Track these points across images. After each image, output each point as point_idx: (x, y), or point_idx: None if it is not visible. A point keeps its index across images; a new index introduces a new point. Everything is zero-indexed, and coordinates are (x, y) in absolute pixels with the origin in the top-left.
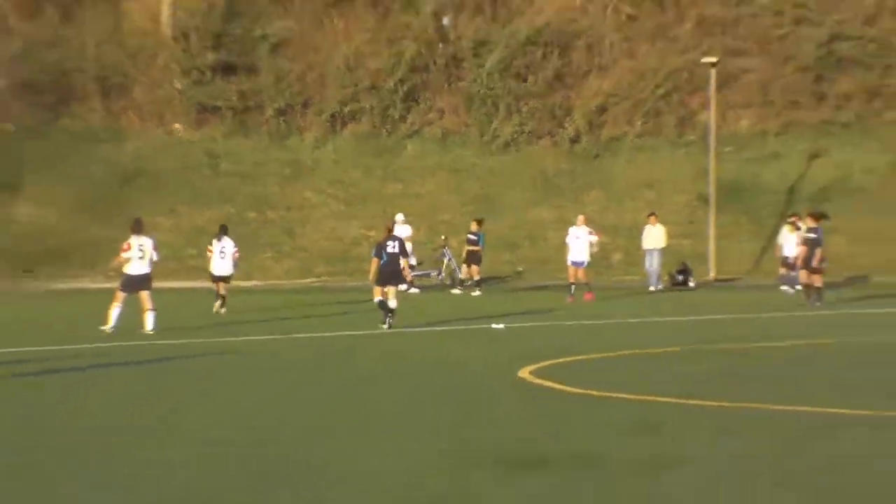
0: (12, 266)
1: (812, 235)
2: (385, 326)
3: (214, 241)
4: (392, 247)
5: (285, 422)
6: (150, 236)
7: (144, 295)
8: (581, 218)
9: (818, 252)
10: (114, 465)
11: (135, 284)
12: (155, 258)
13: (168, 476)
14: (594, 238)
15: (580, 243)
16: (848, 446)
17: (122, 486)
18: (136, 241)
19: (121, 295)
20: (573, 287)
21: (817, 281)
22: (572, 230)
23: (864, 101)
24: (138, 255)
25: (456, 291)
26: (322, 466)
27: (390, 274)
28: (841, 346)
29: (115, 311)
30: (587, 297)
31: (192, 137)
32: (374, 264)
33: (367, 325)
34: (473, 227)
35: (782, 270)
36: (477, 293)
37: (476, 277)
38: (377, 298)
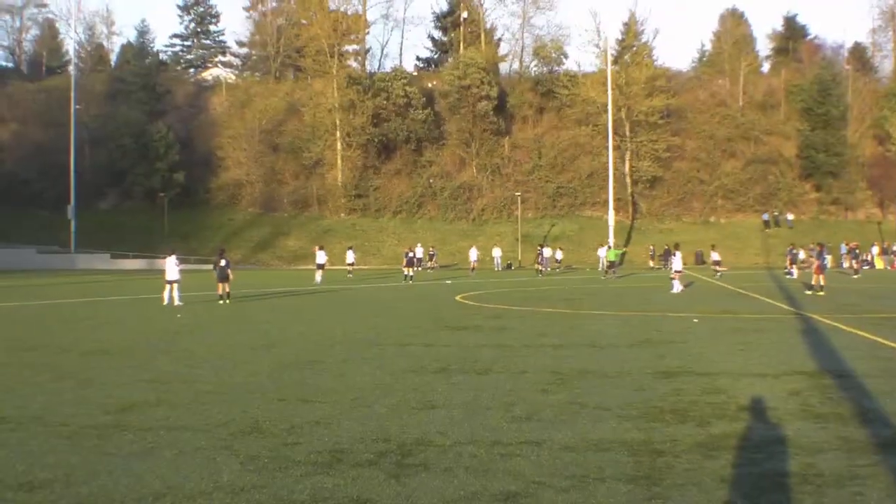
0: (285, 261)
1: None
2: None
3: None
4: (411, 253)
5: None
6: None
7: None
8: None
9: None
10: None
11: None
12: None
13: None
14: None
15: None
16: (569, 324)
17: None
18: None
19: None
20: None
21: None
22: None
23: (569, 207)
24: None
25: (429, 270)
26: (355, 339)
27: (411, 263)
28: (561, 287)
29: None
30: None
31: (346, 218)
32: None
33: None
34: (430, 248)
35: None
36: (431, 271)
37: (435, 265)
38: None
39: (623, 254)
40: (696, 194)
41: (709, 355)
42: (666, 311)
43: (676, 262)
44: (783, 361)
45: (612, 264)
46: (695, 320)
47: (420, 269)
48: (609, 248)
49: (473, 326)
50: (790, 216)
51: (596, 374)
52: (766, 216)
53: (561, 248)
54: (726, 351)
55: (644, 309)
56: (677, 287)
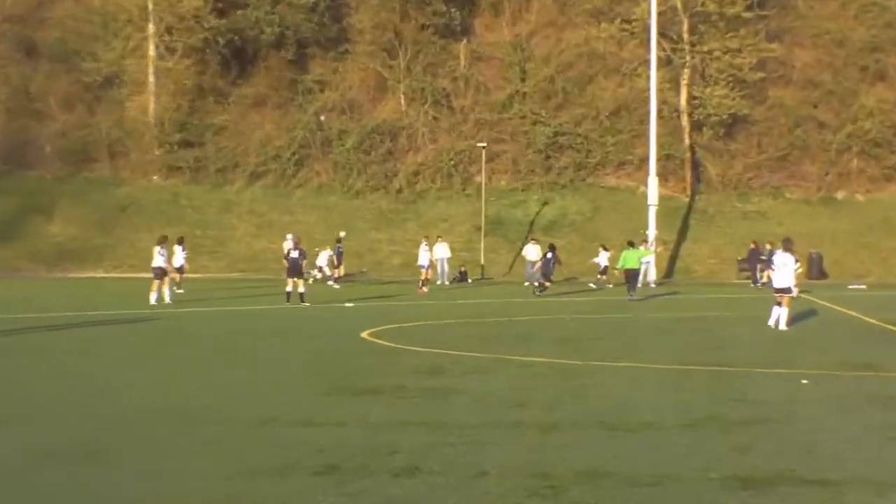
0: (46, 263)
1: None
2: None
3: (176, 246)
4: (295, 253)
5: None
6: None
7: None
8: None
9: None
10: None
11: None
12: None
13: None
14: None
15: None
16: (569, 385)
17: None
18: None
19: (155, 282)
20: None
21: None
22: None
23: (574, 170)
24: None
25: (331, 284)
26: (230, 384)
27: (296, 269)
28: (555, 320)
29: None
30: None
31: (164, 185)
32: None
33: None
34: (340, 243)
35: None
36: (337, 286)
37: (339, 275)
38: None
39: (647, 258)
40: (812, 150)
41: (831, 447)
42: (752, 363)
43: (784, 273)
44: None
45: (631, 276)
46: (804, 381)
47: (317, 278)
48: (632, 247)
49: (391, 388)
50: None
51: (617, 480)
52: None
53: (605, 248)
54: (864, 440)
55: (710, 359)
56: (782, 319)
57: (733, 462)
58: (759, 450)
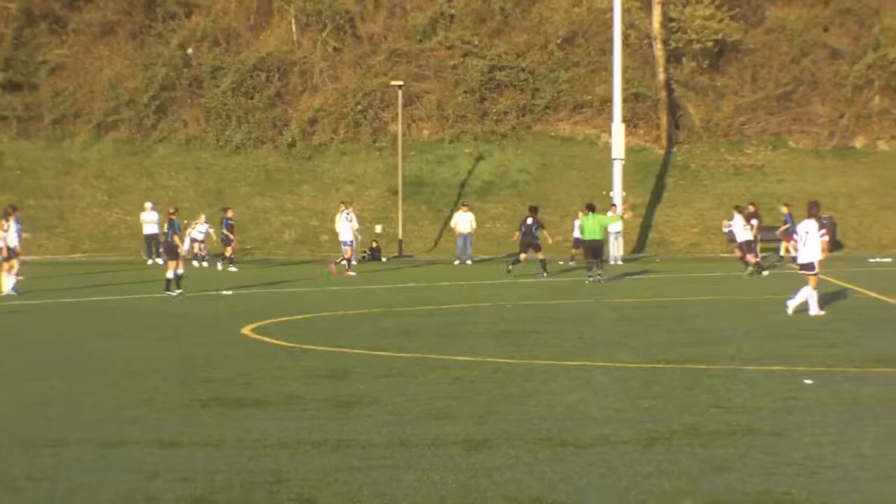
0: None
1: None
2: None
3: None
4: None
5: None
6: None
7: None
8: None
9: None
10: None
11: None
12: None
13: None
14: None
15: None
16: (505, 391)
17: None
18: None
19: None
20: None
21: (540, 255)
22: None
23: (517, 116)
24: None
25: (205, 265)
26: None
27: (173, 249)
28: (493, 308)
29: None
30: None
31: None
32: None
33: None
34: (230, 213)
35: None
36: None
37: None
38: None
39: (614, 226)
40: (822, 86)
41: (838, 464)
42: (740, 359)
43: (811, 245)
44: None
45: (592, 248)
46: (807, 381)
47: (195, 259)
48: (592, 212)
49: (280, 398)
50: None
51: None
52: None
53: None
54: (880, 455)
55: (686, 355)
56: (812, 304)
57: (712, 485)
58: (745, 469)
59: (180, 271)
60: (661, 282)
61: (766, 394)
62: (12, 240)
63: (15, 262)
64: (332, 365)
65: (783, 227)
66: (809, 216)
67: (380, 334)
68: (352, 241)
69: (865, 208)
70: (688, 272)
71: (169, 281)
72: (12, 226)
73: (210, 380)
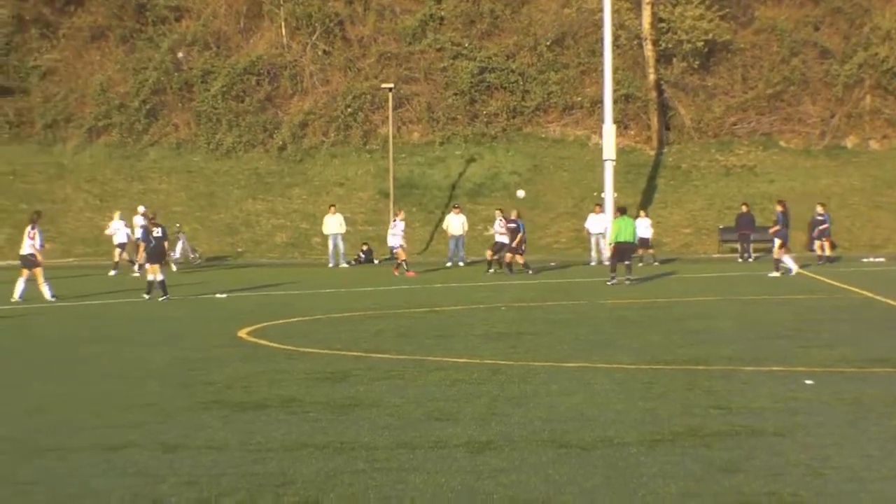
0: None
1: (513, 225)
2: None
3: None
4: (157, 233)
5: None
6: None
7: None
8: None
9: (518, 237)
10: None
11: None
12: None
13: None
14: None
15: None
16: (506, 392)
17: None
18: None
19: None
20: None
21: (519, 259)
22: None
23: (507, 118)
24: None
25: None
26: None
27: (158, 254)
28: (488, 310)
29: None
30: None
31: None
32: (143, 247)
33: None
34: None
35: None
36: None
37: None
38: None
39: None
40: (813, 85)
41: (844, 466)
42: (740, 360)
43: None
44: None
45: (621, 251)
46: (808, 382)
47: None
48: (623, 214)
49: (280, 401)
50: None
51: None
52: None
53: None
54: (886, 455)
55: (686, 356)
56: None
57: (719, 486)
58: (751, 470)
59: (160, 277)
60: (656, 283)
61: (767, 395)
62: (26, 247)
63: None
64: (330, 367)
65: (774, 227)
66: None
67: (377, 336)
68: (398, 245)
69: (857, 208)
70: (682, 273)
71: (151, 284)
72: (37, 232)
73: (209, 383)
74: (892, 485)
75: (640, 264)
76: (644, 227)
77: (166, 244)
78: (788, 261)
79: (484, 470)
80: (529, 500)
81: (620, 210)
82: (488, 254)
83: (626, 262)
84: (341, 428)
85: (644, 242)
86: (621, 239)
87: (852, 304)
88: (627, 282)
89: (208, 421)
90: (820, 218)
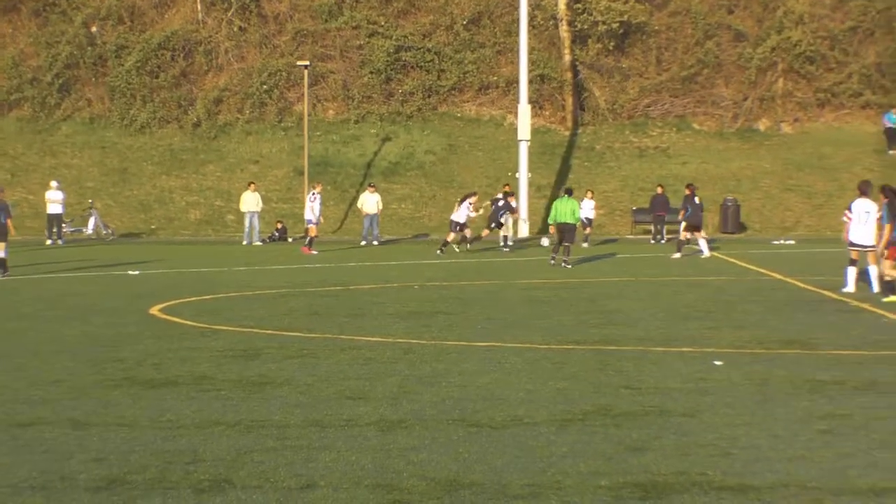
0: None
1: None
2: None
3: None
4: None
5: None
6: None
7: None
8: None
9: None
10: None
11: None
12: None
13: None
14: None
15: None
16: (417, 371)
17: None
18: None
19: None
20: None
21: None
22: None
23: (423, 97)
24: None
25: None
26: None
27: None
28: (402, 289)
29: None
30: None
31: None
32: None
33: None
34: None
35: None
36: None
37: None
38: None
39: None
40: (726, 68)
41: (751, 445)
42: (650, 340)
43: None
44: None
45: (560, 231)
46: (717, 363)
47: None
48: (567, 196)
49: (192, 378)
50: None
51: (482, 490)
52: (890, 118)
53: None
54: (791, 434)
55: (596, 336)
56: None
57: (628, 465)
58: (660, 449)
59: (2, 254)
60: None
61: (676, 375)
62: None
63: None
64: (242, 345)
65: (682, 212)
66: (863, 195)
67: (289, 315)
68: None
69: (769, 190)
70: (595, 253)
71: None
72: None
73: (120, 360)
74: (798, 464)
75: (585, 244)
76: (589, 208)
77: (9, 221)
78: (702, 243)
79: (394, 448)
80: (439, 479)
81: (567, 191)
82: (485, 232)
83: (565, 244)
84: (252, 406)
85: (589, 223)
86: (560, 220)
87: (763, 286)
88: (564, 263)
89: (118, 398)
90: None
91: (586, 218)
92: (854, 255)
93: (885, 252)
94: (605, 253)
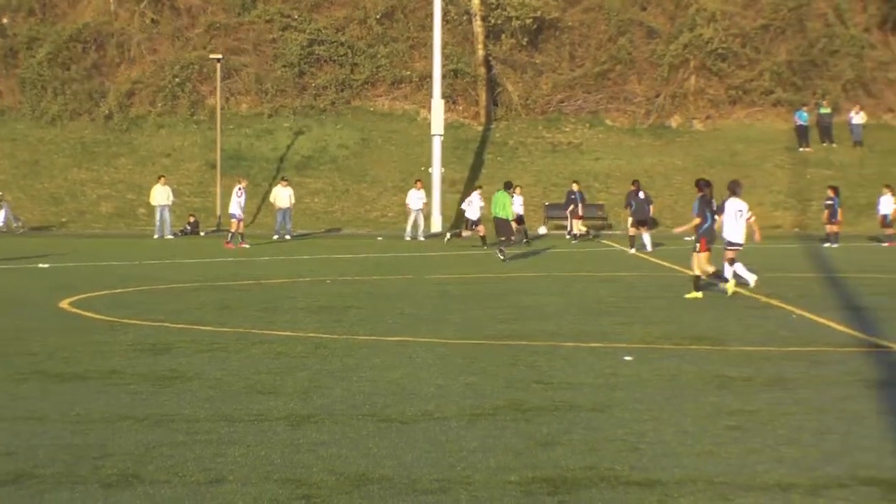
0: None
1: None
2: None
3: None
4: None
5: None
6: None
7: None
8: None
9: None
10: None
11: None
12: None
13: None
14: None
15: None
16: (327, 366)
17: None
18: None
19: None
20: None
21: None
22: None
23: (336, 91)
24: None
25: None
26: None
27: None
28: (313, 284)
29: None
30: None
31: None
32: None
33: None
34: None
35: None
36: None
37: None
38: None
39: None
40: (639, 65)
41: (659, 440)
42: (560, 335)
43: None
44: (831, 455)
45: (496, 226)
46: (627, 358)
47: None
48: (508, 189)
49: (101, 372)
50: (856, 116)
51: (391, 485)
52: (801, 116)
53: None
54: (699, 430)
55: (506, 332)
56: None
57: (537, 460)
58: (569, 444)
59: None
60: (480, 258)
61: (587, 370)
62: None
63: None
64: (152, 339)
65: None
66: (734, 194)
67: (200, 309)
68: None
69: (680, 187)
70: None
71: None
72: None
73: (29, 353)
74: (706, 460)
75: (525, 241)
76: (518, 205)
77: None
78: (646, 238)
79: (304, 443)
80: (348, 474)
81: (505, 185)
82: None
83: (501, 238)
84: (162, 400)
85: (520, 219)
86: (494, 214)
87: (674, 282)
88: (500, 255)
89: (27, 391)
90: (573, 197)
91: (518, 215)
92: (730, 254)
93: (697, 246)
94: (520, 250)
